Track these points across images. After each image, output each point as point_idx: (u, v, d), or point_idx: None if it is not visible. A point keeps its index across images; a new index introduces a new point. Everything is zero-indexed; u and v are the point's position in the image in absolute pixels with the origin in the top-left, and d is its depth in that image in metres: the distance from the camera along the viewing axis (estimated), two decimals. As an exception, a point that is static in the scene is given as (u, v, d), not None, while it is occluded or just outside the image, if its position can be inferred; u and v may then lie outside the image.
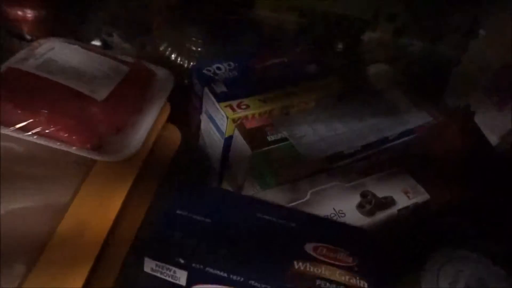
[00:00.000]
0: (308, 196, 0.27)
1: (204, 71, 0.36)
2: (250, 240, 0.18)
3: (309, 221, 0.20)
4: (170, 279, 0.18)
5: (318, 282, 0.17)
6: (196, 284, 0.18)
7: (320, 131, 0.33)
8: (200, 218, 0.18)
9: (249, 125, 0.33)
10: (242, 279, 0.17)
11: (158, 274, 0.18)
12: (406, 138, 0.34)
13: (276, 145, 0.31)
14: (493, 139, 0.36)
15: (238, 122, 0.32)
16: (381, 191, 0.29)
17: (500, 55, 0.37)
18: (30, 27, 0.34)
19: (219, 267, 0.17)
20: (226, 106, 0.33)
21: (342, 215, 0.24)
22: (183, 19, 0.41)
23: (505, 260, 0.27)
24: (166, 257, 0.17)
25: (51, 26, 0.34)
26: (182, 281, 0.18)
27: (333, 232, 0.20)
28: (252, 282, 0.17)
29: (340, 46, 0.44)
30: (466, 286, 0.25)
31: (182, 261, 0.17)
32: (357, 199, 0.29)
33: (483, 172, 0.34)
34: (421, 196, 0.30)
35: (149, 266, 0.18)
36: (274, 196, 0.26)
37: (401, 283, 0.25)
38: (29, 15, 0.32)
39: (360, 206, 0.28)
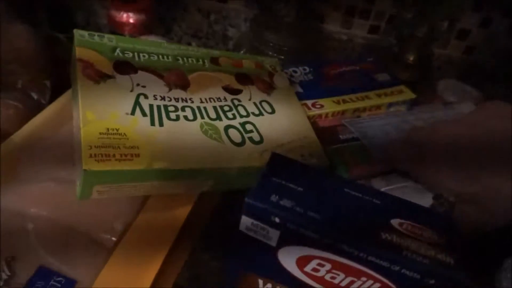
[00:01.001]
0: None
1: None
2: (340, 210, 0.19)
3: (394, 200, 0.21)
4: (262, 239, 0.20)
5: (404, 253, 0.18)
6: (286, 245, 0.19)
7: (391, 135, 0.34)
8: (293, 186, 0.20)
9: (322, 123, 0.35)
10: (332, 242, 0.18)
11: (252, 234, 0.20)
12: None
13: (347, 144, 0.33)
14: None
15: (312, 120, 0.35)
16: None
17: None
18: (132, 28, 0.39)
19: (311, 229, 0.18)
20: (302, 105, 0.35)
21: None
22: (261, 26, 0.45)
23: None
24: (263, 216, 0.19)
25: (149, 27, 0.39)
26: (274, 242, 0.19)
27: (418, 213, 0.21)
28: (342, 246, 0.18)
29: (410, 58, 0.45)
30: None
31: (277, 220, 0.19)
32: (429, 201, 0.29)
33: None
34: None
35: (245, 224, 0.20)
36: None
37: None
38: (131, 19, 0.37)
39: (432, 208, 0.28)
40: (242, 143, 0.31)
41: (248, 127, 0.32)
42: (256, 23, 0.44)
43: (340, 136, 0.34)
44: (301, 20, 0.45)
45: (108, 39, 0.33)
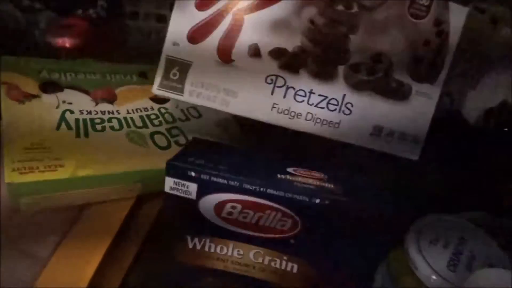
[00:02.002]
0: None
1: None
2: (245, 165, 0.24)
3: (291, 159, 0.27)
4: (184, 195, 0.24)
5: (295, 183, 0.23)
6: (203, 196, 0.23)
7: None
8: (208, 153, 0.25)
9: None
10: (238, 183, 0.23)
11: (175, 192, 0.24)
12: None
13: None
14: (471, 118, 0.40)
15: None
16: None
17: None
18: (68, 53, 0.41)
19: (221, 176, 0.23)
20: None
21: None
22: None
23: (485, 222, 0.30)
24: (182, 174, 0.23)
25: (87, 50, 0.42)
26: (193, 195, 0.23)
27: (310, 163, 0.26)
28: (246, 185, 0.23)
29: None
30: (446, 243, 0.27)
31: (193, 174, 0.23)
32: None
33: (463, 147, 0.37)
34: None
35: (169, 185, 0.23)
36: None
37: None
38: (67, 44, 0.41)
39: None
40: (168, 146, 0.34)
41: (175, 131, 0.36)
42: None
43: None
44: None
45: (35, 63, 0.36)
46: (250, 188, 0.23)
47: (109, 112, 0.36)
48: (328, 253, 0.24)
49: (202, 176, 0.23)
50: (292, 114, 0.27)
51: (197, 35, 0.25)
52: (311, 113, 0.27)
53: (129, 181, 0.32)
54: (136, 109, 0.37)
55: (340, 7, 0.26)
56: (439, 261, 0.25)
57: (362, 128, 0.27)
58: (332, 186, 0.23)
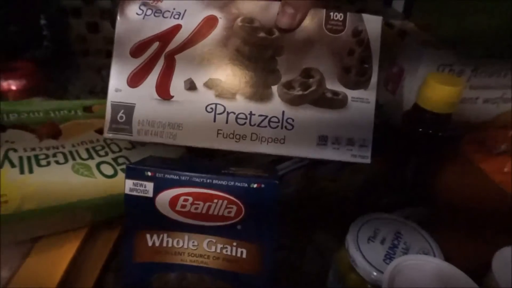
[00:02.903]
0: None
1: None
2: (195, 166, 0.29)
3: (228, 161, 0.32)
4: (142, 194, 0.27)
5: (236, 174, 0.28)
6: (159, 192, 0.27)
7: None
8: (162, 161, 0.29)
9: None
10: (188, 178, 0.27)
11: (134, 192, 0.27)
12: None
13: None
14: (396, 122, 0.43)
15: None
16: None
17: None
18: (14, 95, 0.43)
19: (173, 174, 0.27)
20: None
21: None
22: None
23: (417, 217, 0.34)
24: (140, 175, 0.27)
25: (35, 91, 0.44)
26: (150, 193, 0.27)
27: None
28: (195, 179, 0.27)
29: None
30: (383, 238, 0.29)
31: (149, 173, 0.27)
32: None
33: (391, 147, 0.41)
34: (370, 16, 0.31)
35: (129, 187, 0.27)
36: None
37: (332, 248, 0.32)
38: (13, 86, 0.42)
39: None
40: (115, 174, 0.37)
41: (121, 160, 0.39)
42: None
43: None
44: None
45: None
46: (199, 180, 0.27)
47: (53, 147, 0.38)
48: (272, 235, 0.28)
49: (157, 174, 0.27)
50: (237, 137, 0.28)
51: (135, 79, 0.28)
52: (255, 133, 0.28)
53: (77, 211, 0.33)
54: (82, 142, 0.39)
55: (262, 34, 0.29)
56: (376, 256, 0.28)
57: (307, 140, 0.29)
58: (268, 175, 0.29)
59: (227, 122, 0.28)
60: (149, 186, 0.27)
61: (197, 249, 0.28)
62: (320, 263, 0.36)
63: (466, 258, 0.28)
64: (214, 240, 0.28)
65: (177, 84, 0.28)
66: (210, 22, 0.28)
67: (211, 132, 0.28)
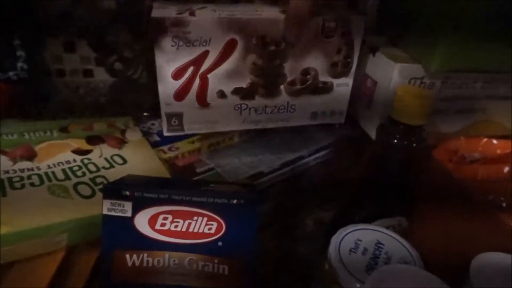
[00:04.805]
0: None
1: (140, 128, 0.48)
2: (173, 184, 0.29)
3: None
4: (120, 214, 0.27)
5: (216, 190, 0.28)
6: (138, 211, 0.27)
7: (243, 159, 0.45)
8: (139, 180, 0.29)
9: (181, 163, 0.44)
10: (167, 196, 0.27)
11: (112, 212, 0.27)
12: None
13: (204, 174, 0.42)
14: (372, 134, 0.48)
15: (170, 162, 0.44)
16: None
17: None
18: None
19: (152, 192, 0.27)
20: (159, 151, 0.44)
21: (260, 12, 0.37)
22: (120, 91, 0.52)
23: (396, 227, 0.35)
24: (118, 194, 0.26)
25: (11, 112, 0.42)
26: (129, 213, 0.27)
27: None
28: (174, 196, 0.27)
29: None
30: (364, 249, 0.29)
31: (128, 193, 0.26)
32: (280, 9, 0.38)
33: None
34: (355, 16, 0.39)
35: (106, 206, 0.26)
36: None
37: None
38: None
39: (281, 12, 0.37)
40: (92, 195, 0.36)
41: (99, 180, 0.38)
42: (115, 89, 0.53)
43: (197, 170, 0.42)
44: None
45: None
46: (178, 198, 0.27)
47: (28, 169, 0.37)
48: (252, 250, 0.28)
49: (135, 193, 0.27)
50: (256, 122, 0.42)
51: (180, 95, 0.38)
52: (268, 118, 0.42)
53: (54, 233, 0.32)
54: (58, 163, 0.38)
55: (272, 47, 0.37)
56: (358, 267, 0.27)
57: (303, 116, 0.43)
58: (248, 190, 0.29)
59: (249, 114, 0.41)
60: (128, 205, 0.27)
61: (178, 268, 0.28)
62: (301, 276, 0.36)
63: (445, 264, 0.29)
64: (195, 258, 0.28)
65: (211, 95, 0.38)
66: (231, 45, 0.36)
67: (238, 121, 0.41)
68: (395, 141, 0.39)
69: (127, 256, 0.27)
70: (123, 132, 0.47)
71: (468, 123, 0.53)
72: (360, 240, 0.31)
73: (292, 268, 0.38)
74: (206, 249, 0.28)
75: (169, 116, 0.38)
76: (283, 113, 0.41)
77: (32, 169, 0.37)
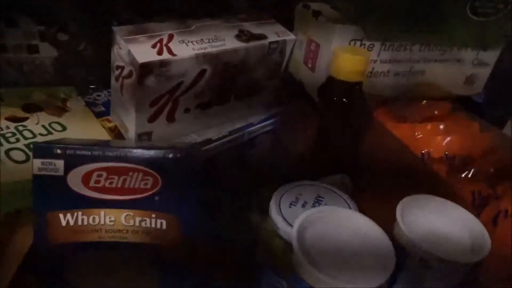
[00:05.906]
0: (193, 27, 0.41)
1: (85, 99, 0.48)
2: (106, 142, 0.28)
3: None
4: (52, 173, 0.26)
5: (151, 146, 0.28)
6: (70, 170, 0.26)
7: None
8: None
9: None
10: (100, 152, 0.27)
11: (43, 172, 0.26)
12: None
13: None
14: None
15: (116, 131, 0.44)
16: (255, 31, 0.44)
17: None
18: None
19: (84, 149, 0.26)
20: (103, 120, 0.45)
21: (222, 41, 0.40)
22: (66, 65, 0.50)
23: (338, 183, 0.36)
24: (48, 153, 0.26)
25: None
26: (61, 171, 0.26)
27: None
28: (108, 153, 0.27)
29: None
30: (305, 202, 0.31)
31: (59, 151, 0.26)
32: (235, 33, 0.42)
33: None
34: (288, 36, 0.45)
35: (37, 166, 0.26)
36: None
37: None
38: None
39: (237, 36, 0.42)
40: (27, 160, 0.36)
41: None
42: (60, 63, 0.51)
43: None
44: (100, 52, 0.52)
45: None
46: (112, 154, 0.27)
47: (-42, 138, 0.35)
48: (191, 205, 0.29)
49: (67, 151, 0.26)
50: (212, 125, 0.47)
51: (153, 118, 0.41)
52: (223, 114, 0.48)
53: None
54: (-11, 131, 0.37)
55: (231, 69, 0.43)
56: (296, 218, 0.28)
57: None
58: (183, 146, 0.29)
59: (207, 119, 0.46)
60: (59, 164, 0.26)
61: (115, 225, 0.28)
62: (248, 243, 0.36)
63: (382, 217, 0.31)
64: (132, 214, 0.28)
65: (178, 112, 0.43)
66: (202, 73, 0.40)
67: (197, 127, 0.46)
68: (335, 98, 0.41)
69: (61, 215, 0.27)
70: (64, 100, 0.45)
71: (407, 85, 0.56)
72: (301, 195, 0.33)
73: (241, 237, 0.38)
74: (143, 204, 0.28)
75: (140, 135, 0.41)
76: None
77: (-38, 138, 0.35)
